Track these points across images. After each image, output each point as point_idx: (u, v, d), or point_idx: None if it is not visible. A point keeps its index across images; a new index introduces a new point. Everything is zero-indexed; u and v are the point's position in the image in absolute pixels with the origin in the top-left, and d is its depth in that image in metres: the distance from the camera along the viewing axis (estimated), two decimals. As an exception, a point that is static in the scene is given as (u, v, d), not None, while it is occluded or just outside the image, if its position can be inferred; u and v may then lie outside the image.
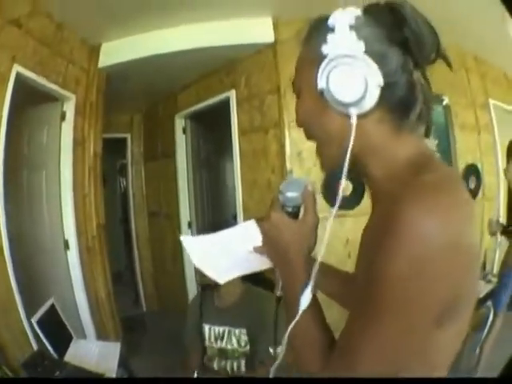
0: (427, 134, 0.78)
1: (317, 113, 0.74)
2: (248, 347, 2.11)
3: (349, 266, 0.91)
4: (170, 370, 2.96)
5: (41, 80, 2.67)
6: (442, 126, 3.72)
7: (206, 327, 2.18)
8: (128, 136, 4.88)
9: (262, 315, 2.03)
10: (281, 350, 1.75)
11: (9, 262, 2.35)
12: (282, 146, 3.28)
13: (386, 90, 0.68)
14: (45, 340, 2.20)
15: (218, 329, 2.16)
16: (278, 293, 0.87)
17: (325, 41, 0.70)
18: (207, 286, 2.15)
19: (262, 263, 0.92)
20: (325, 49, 0.70)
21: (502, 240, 3.66)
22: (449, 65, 0.74)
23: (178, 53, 3.35)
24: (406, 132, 0.72)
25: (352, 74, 0.68)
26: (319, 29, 0.73)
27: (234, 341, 2.12)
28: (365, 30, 0.69)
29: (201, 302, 2.23)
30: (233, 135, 3.62)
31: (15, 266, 2.39)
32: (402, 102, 0.70)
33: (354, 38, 0.68)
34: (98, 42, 3.35)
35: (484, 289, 3.43)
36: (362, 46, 0.68)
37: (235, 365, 2.14)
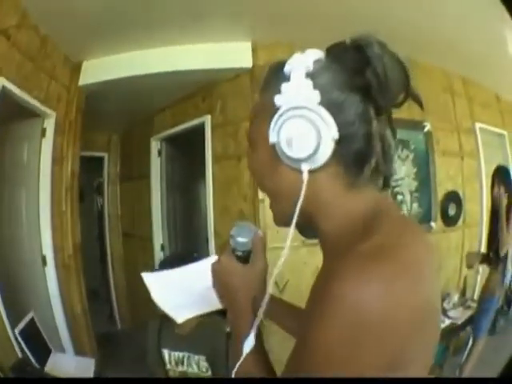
0: (386, 184, 0.74)
1: (269, 167, 0.72)
2: (210, 372, 2.12)
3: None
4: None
5: (24, 95, 2.64)
6: (423, 153, 3.69)
7: (166, 352, 2.18)
8: (105, 155, 4.85)
9: (219, 343, 2.01)
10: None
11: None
12: (255, 176, 3.28)
13: (342, 142, 0.65)
14: (27, 351, 2.29)
15: (178, 354, 2.17)
16: (228, 329, 0.87)
17: (279, 91, 0.67)
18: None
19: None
20: (278, 99, 0.67)
21: (481, 267, 3.69)
22: (420, 105, 0.71)
23: (157, 75, 3.33)
24: (361, 186, 0.69)
25: (304, 128, 0.64)
26: (275, 77, 0.71)
27: (195, 366, 2.14)
28: (323, 76, 0.66)
29: (159, 328, 2.22)
30: (206, 161, 3.61)
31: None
32: (357, 156, 0.67)
33: (309, 87, 0.65)
34: (79, 60, 3.33)
35: (463, 315, 3.47)
36: (317, 95, 0.64)
37: None
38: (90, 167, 4.49)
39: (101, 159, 4.84)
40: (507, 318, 3.95)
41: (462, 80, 4.15)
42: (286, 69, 0.68)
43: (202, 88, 3.68)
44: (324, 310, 0.58)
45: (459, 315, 3.47)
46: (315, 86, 0.65)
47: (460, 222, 4.05)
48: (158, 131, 4.25)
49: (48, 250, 3.07)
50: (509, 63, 3.50)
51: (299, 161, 0.66)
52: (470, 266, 3.52)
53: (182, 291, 1.08)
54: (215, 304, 0.93)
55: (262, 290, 0.80)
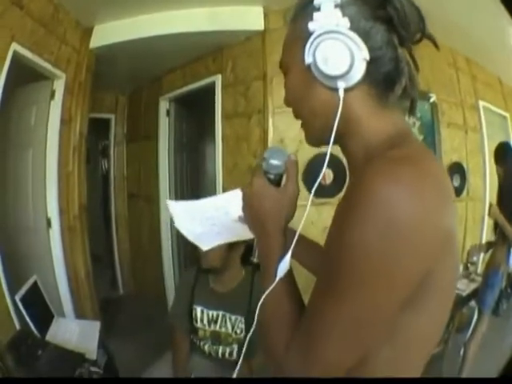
0: (412, 112, 0.76)
1: (304, 88, 0.73)
2: (243, 335, 2.00)
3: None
4: (142, 351, 2.88)
5: (35, 58, 2.65)
6: (428, 122, 3.62)
7: (198, 309, 2.07)
8: (112, 117, 4.72)
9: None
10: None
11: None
12: (265, 132, 3.21)
13: (372, 64, 0.68)
14: (27, 318, 2.11)
15: (212, 312, 2.06)
16: (255, 259, 0.85)
17: (311, 19, 0.69)
18: (208, 269, 2.03)
19: (245, 232, 0.87)
20: (311, 25, 0.69)
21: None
22: (435, 45, 0.73)
23: (167, 36, 3.29)
24: (390, 107, 0.72)
25: (338, 49, 0.67)
26: (305, 7, 0.73)
27: (229, 326, 2.03)
28: (350, 8, 0.69)
29: (194, 283, 2.10)
30: (216, 119, 3.53)
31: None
32: (387, 77, 0.69)
33: (339, 16, 0.68)
34: (90, 25, 3.31)
35: (467, 287, 3.39)
36: (346, 22, 0.67)
37: (227, 350, 2.05)
38: (96, 129, 4.37)
39: (107, 121, 4.71)
40: (510, 301, 3.90)
41: (466, 60, 4.09)
42: (316, 1, 0.70)
43: (213, 50, 3.62)
44: (356, 208, 0.59)
45: (464, 287, 3.39)
46: (344, 15, 0.68)
47: (464, 194, 3.96)
48: (167, 91, 4.12)
49: (53, 212, 3.00)
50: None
51: (335, 78, 0.68)
52: (472, 263, 3.44)
53: (206, 221, 1.04)
54: (240, 234, 0.94)
55: (292, 216, 0.79)
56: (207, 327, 2.06)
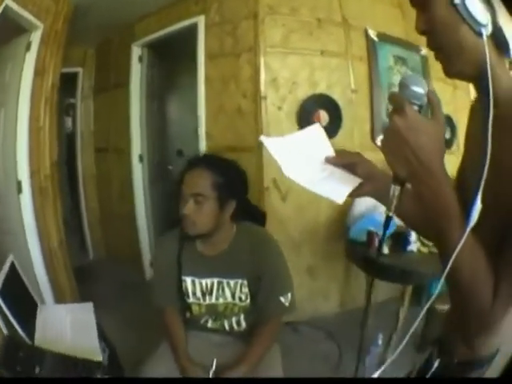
0: None
1: (451, 22, 0.74)
2: (249, 300, 1.65)
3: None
4: (127, 322, 2.61)
5: (20, 10, 2.50)
6: (419, 73, 3.40)
7: (188, 280, 1.66)
8: (80, 70, 4.24)
9: (268, 260, 1.63)
10: (290, 297, 1.65)
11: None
12: (257, 72, 2.94)
13: (492, 25, 0.72)
14: (11, 318, 1.54)
15: (206, 281, 1.66)
16: (391, 213, 0.72)
17: None
18: (197, 236, 1.61)
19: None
20: None
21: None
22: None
23: None
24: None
25: (479, 3, 0.71)
26: None
27: (228, 294, 1.66)
28: None
29: (179, 250, 1.66)
30: (198, 61, 3.18)
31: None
32: (502, 40, 0.73)
33: None
34: None
35: None
36: None
37: (234, 320, 1.70)
38: (62, 86, 3.95)
39: (74, 76, 4.22)
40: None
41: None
42: None
43: None
44: None
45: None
46: None
47: (454, 147, 3.84)
48: (141, 37, 3.71)
49: (24, 175, 2.65)
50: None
51: (480, 24, 0.71)
52: None
53: (316, 164, 0.86)
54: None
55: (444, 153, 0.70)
56: (202, 301, 1.67)
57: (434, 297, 0.73)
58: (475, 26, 0.72)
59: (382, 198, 0.86)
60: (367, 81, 3.11)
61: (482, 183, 0.66)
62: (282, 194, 2.89)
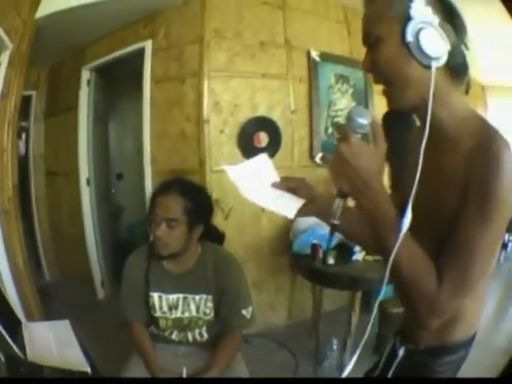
0: (467, 91, 0.90)
1: (400, 61, 0.82)
2: (212, 314, 1.75)
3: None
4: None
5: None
6: (361, 89, 3.55)
7: (156, 296, 1.75)
8: (33, 93, 4.20)
9: (231, 276, 1.75)
10: (252, 311, 1.80)
11: None
12: (200, 96, 3.01)
13: (450, 55, 0.82)
14: (7, 336, 1.55)
15: (172, 297, 1.75)
16: (336, 221, 0.83)
17: (410, 6, 0.80)
18: (168, 256, 1.70)
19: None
20: (413, 13, 0.80)
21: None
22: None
23: (97, 4, 3.03)
24: (458, 87, 0.87)
25: (437, 37, 0.80)
26: None
27: (193, 308, 1.75)
28: (434, 9, 0.82)
29: (148, 267, 1.75)
30: (144, 85, 3.24)
31: None
32: (458, 66, 0.85)
33: (430, 12, 0.81)
34: None
35: None
36: (436, 19, 0.81)
37: (197, 333, 1.79)
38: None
39: (28, 99, 4.14)
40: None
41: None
42: None
43: (145, 16, 3.37)
44: (498, 165, 0.75)
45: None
46: (433, 13, 0.81)
47: None
48: (91, 61, 3.73)
49: None
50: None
51: (430, 58, 0.80)
52: None
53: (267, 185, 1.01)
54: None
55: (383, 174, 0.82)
56: (168, 314, 1.77)
57: (376, 303, 0.86)
58: (424, 61, 0.81)
59: (323, 216, 1.00)
60: (307, 101, 3.22)
61: (413, 192, 0.78)
62: (225, 214, 2.97)
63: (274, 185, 0.99)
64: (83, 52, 3.84)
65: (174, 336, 1.80)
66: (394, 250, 0.77)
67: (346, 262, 2.67)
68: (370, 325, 0.85)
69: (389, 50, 0.84)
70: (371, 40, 0.86)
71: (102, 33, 3.64)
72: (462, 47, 0.85)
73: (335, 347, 2.72)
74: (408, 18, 0.81)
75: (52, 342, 1.80)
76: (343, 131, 0.78)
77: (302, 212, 0.98)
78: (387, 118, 2.96)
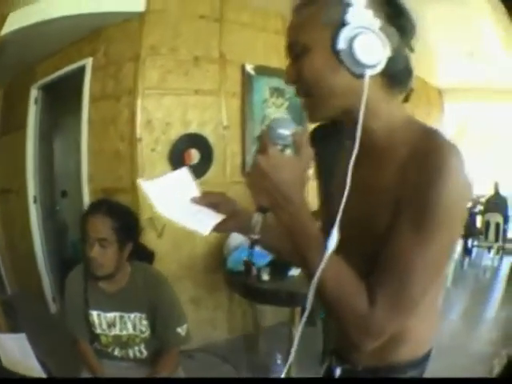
0: (407, 101, 0.86)
1: (328, 69, 0.77)
2: (148, 332, 1.79)
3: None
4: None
5: None
6: (297, 103, 3.50)
7: (95, 314, 1.80)
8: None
9: (162, 295, 1.80)
10: (186, 328, 1.82)
11: None
12: (133, 114, 3.00)
13: (390, 61, 0.76)
14: None
15: (110, 315, 1.80)
16: (256, 236, 0.83)
17: (346, 11, 0.74)
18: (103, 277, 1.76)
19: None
20: (348, 18, 0.74)
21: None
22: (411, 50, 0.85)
23: (49, 21, 3.06)
24: (394, 97, 0.82)
25: (373, 43, 0.74)
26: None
27: (130, 326, 1.79)
28: (376, 12, 0.76)
29: (85, 286, 1.80)
30: (83, 103, 3.24)
31: None
32: (399, 73, 0.79)
33: (371, 16, 0.75)
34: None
35: None
36: (378, 22, 0.75)
37: (137, 350, 1.83)
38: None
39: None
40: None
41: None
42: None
43: (90, 33, 3.36)
44: (436, 173, 0.69)
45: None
46: (375, 16, 0.75)
47: None
48: (39, 79, 3.74)
49: None
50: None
51: (364, 66, 0.74)
52: None
53: (182, 201, 0.98)
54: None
55: (305, 186, 0.77)
56: (108, 332, 1.81)
57: (304, 317, 0.78)
58: (357, 70, 0.75)
59: (244, 231, 0.96)
60: (240, 116, 3.21)
61: (341, 209, 0.73)
62: (158, 232, 2.98)
63: (194, 200, 0.95)
64: (33, 70, 3.84)
65: (117, 352, 1.85)
66: (319, 271, 0.71)
67: (281, 277, 2.64)
68: (296, 340, 0.80)
69: (315, 60, 0.78)
70: (297, 50, 0.80)
71: (51, 51, 3.64)
72: (407, 51, 0.80)
73: (279, 362, 2.71)
74: (343, 24, 0.75)
75: (17, 353, 1.86)
76: (262, 142, 0.74)
77: (220, 228, 0.93)
78: (316, 132, 2.94)
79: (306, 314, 0.76)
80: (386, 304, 0.71)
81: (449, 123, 4.50)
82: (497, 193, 4.40)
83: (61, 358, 2.72)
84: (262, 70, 3.27)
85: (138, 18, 3.10)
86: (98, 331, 1.81)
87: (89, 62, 3.33)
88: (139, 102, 3.01)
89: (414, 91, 0.85)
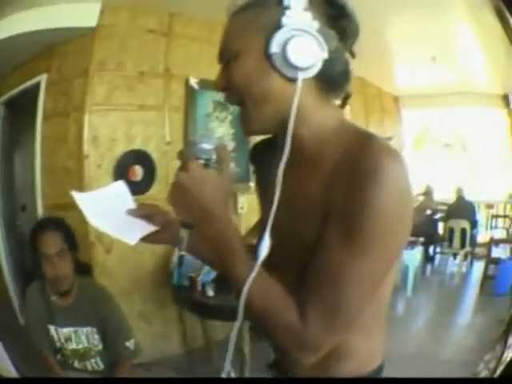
0: (344, 104, 0.84)
1: (259, 75, 0.74)
2: (101, 346, 1.89)
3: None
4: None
5: None
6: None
7: (52, 328, 1.88)
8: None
9: (108, 311, 1.90)
10: (134, 342, 1.86)
11: None
12: (81, 131, 3.04)
13: (326, 63, 0.73)
14: None
15: (65, 330, 1.89)
16: (183, 252, 0.85)
17: (283, 13, 0.72)
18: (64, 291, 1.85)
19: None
20: (284, 20, 0.72)
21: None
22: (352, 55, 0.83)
23: (7, 39, 3.07)
24: (329, 101, 0.80)
25: (308, 46, 0.71)
26: (265, 1, 0.75)
27: (84, 340, 1.89)
28: (314, 13, 0.73)
29: (43, 300, 1.90)
30: (37, 120, 3.29)
31: None
32: (336, 76, 0.77)
33: (309, 18, 0.72)
34: None
35: None
36: (316, 24, 0.72)
37: (93, 363, 1.92)
38: None
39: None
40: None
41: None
42: (286, 1, 0.72)
43: (47, 49, 3.39)
44: (370, 179, 0.64)
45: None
46: (313, 18, 0.73)
47: None
48: (1, 95, 3.72)
49: None
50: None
51: (297, 69, 0.72)
52: None
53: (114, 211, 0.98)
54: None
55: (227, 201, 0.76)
56: (66, 345, 1.90)
57: (234, 333, 0.77)
58: (289, 73, 0.72)
59: (176, 244, 0.93)
60: (183, 131, 3.21)
61: (270, 222, 0.72)
62: (106, 247, 3.02)
63: (129, 212, 0.93)
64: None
65: (76, 364, 1.93)
66: (246, 287, 0.69)
67: (226, 293, 2.66)
68: (230, 351, 0.82)
69: (245, 64, 0.76)
70: (227, 56, 0.79)
71: (11, 67, 3.67)
72: (346, 54, 0.78)
73: (233, 375, 2.73)
74: (278, 27, 0.72)
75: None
76: (182, 157, 0.72)
77: (151, 239, 0.92)
78: (254, 148, 2.92)
79: (235, 331, 0.76)
80: (318, 317, 0.68)
81: (409, 130, 4.38)
82: (461, 198, 4.31)
83: (36, 368, 2.83)
84: (206, 84, 3.24)
85: (91, 33, 3.12)
86: (58, 344, 1.89)
87: (43, 79, 3.36)
88: (86, 118, 3.05)
89: (351, 96, 0.83)
